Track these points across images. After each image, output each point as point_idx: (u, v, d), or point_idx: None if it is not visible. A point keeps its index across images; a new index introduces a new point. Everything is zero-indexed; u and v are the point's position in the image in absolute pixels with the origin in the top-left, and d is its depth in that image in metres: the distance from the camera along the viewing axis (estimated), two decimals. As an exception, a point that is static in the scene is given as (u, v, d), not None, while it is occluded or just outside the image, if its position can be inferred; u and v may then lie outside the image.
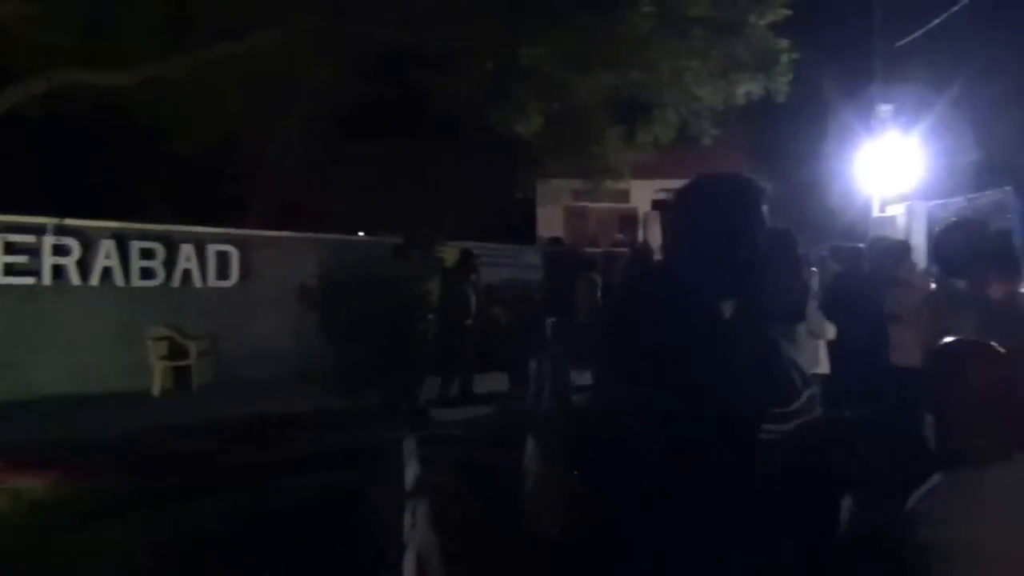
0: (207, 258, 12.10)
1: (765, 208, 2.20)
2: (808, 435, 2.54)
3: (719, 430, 2.04)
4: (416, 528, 2.81)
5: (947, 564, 2.04)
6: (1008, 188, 12.84)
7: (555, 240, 14.03)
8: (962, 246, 4.25)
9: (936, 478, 2.16)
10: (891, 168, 15.05)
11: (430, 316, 9.66)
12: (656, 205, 16.82)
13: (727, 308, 2.15)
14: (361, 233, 15.88)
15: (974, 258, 4.19)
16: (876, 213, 15.03)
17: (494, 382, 10.29)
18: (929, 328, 4.23)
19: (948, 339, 2.36)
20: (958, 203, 14.27)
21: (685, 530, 2.01)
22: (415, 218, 14.97)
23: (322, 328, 9.03)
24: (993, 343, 2.24)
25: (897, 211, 14.15)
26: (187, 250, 11.88)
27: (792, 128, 19.99)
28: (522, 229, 19.42)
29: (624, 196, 19.86)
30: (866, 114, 15.83)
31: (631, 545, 2.04)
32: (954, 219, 5.68)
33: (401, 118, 16.16)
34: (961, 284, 4.39)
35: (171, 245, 11.76)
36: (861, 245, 7.45)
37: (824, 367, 6.35)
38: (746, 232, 2.18)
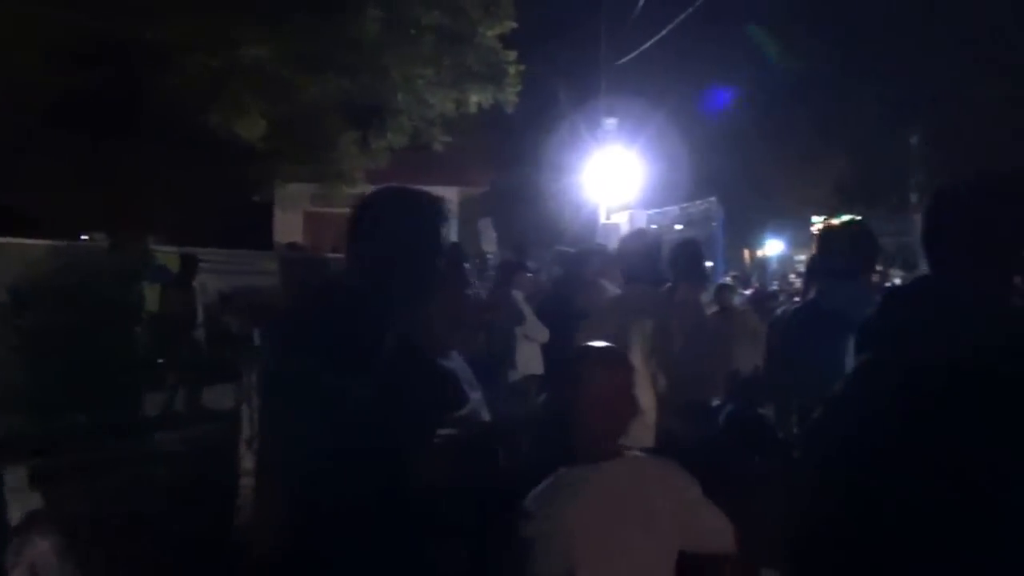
0: None
1: (445, 229, 2.22)
2: (474, 438, 2.60)
3: (384, 441, 2.05)
4: (20, 568, 2.60)
5: (549, 557, 2.11)
6: (713, 198, 14.15)
7: (292, 245, 13.72)
8: (637, 255, 4.54)
9: (552, 476, 2.23)
10: (616, 178, 16.05)
11: (139, 328, 9.09)
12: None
13: (398, 322, 2.15)
14: (85, 237, 14.69)
15: (650, 265, 4.50)
16: (603, 220, 15.94)
17: (226, 395, 9.84)
18: (613, 329, 4.48)
19: (586, 344, 2.48)
20: (673, 211, 15.51)
21: (365, 541, 2.02)
22: (136, 221, 14.04)
23: (21, 340, 8.27)
24: (617, 347, 2.37)
25: (621, 218, 15.10)
26: None
27: (528, 137, 20.75)
28: (261, 234, 18.80)
29: (366, 202, 19.76)
30: (594, 127, 16.77)
31: (326, 559, 2.02)
32: (633, 230, 6.09)
33: (121, 114, 15.08)
34: (641, 288, 4.69)
35: None
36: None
37: (540, 368, 6.63)
38: (421, 247, 2.19)
